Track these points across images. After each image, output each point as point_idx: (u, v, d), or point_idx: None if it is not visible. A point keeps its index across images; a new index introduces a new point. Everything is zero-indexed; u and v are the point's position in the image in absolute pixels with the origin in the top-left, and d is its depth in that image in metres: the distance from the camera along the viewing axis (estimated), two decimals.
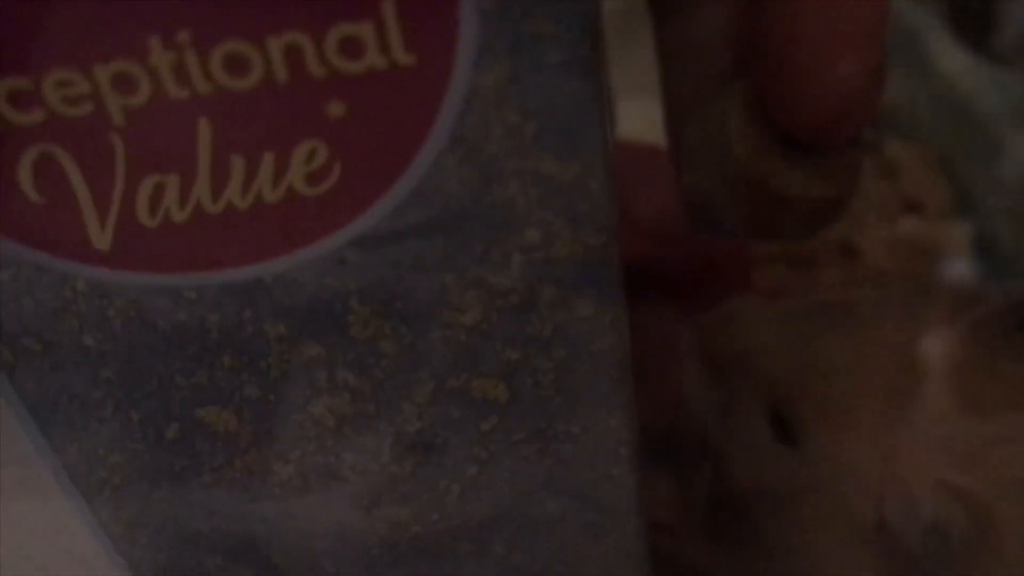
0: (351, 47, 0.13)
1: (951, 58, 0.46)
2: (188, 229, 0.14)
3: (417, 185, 0.14)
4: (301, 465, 0.17)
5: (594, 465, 0.18)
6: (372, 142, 0.13)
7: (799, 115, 0.16)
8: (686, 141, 0.20)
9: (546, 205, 0.14)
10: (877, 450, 0.21)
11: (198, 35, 0.12)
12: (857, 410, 0.21)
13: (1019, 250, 0.39)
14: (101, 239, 0.14)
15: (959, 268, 0.37)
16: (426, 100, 0.13)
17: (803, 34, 0.16)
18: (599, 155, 0.14)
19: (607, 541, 0.19)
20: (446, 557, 0.19)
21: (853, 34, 0.16)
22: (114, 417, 0.16)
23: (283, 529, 0.18)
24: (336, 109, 0.13)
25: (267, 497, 0.17)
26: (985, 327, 0.21)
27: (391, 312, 0.15)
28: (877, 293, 0.24)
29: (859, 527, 0.21)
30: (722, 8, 0.18)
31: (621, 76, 0.27)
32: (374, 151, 0.14)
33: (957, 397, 0.21)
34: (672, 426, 0.25)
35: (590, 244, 0.15)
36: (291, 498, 0.17)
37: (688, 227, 0.19)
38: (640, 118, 0.34)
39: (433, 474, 0.17)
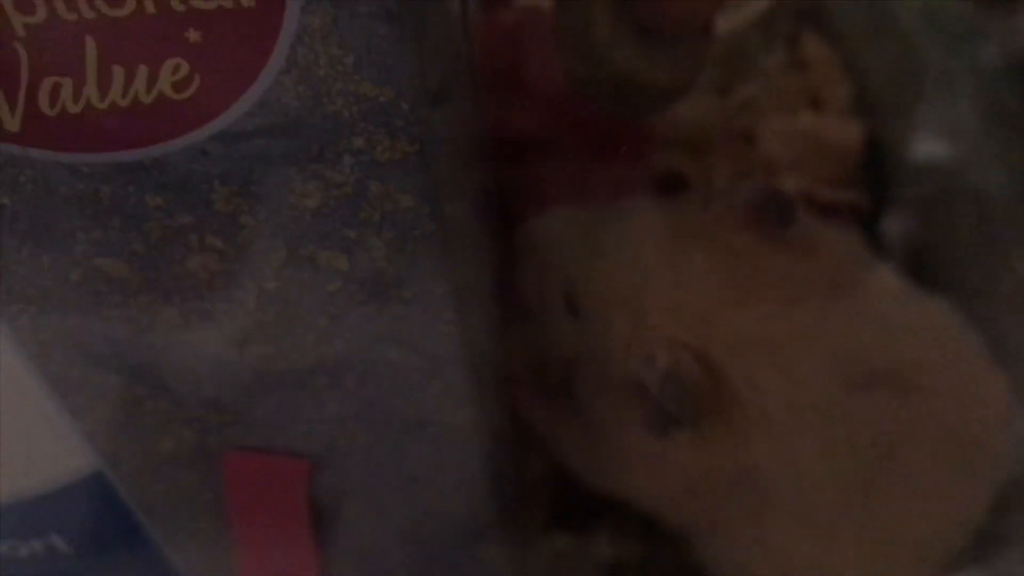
0: None
1: None
2: (81, 119, 0.18)
3: (261, 97, 0.17)
4: (182, 308, 0.21)
5: (424, 323, 0.22)
6: (224, 62, 0.17)
7: (654, 4, 0.19)
8: (559, 22, 0.23)
9: (367, 120, 0.18)
10: (629, 317, 0.25)
11: None
12: (617, 286, 0.25)
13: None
14: (11, 123, 0.18)
15: None
16: (265, 33, 0.17)
17: None
18: (410, 82, 0.17)
19: (437, 383, 0.23)
20: (306, 388, 0.23)
21: None
22: (27, 260, 0.20)
23: (171, 357, 0.22)
24: (194, 36, 0.17)
25: (155, 332, 0.21)
26: (725, 217, 0.25)
27: (247, 193, 0.19)
28: (655, 201, 0.28)
29: (622, 382, 0.25)
30: None
31: None
32: (226, 68, 0.17)
33: (695, 270, 0.25)
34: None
35: (407, 151, 0.18)
36: (175, 333, 0.21)
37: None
38: None
39: (291, 322, 0.21)
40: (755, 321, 0.25)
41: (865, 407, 0.25)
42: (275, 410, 0.24)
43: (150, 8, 0.16)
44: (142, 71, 0.17)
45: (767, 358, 0.24)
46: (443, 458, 0.25)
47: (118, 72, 0.17)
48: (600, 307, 0.26)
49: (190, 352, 0.22)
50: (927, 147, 0.42)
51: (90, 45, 0.17)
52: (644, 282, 0.25)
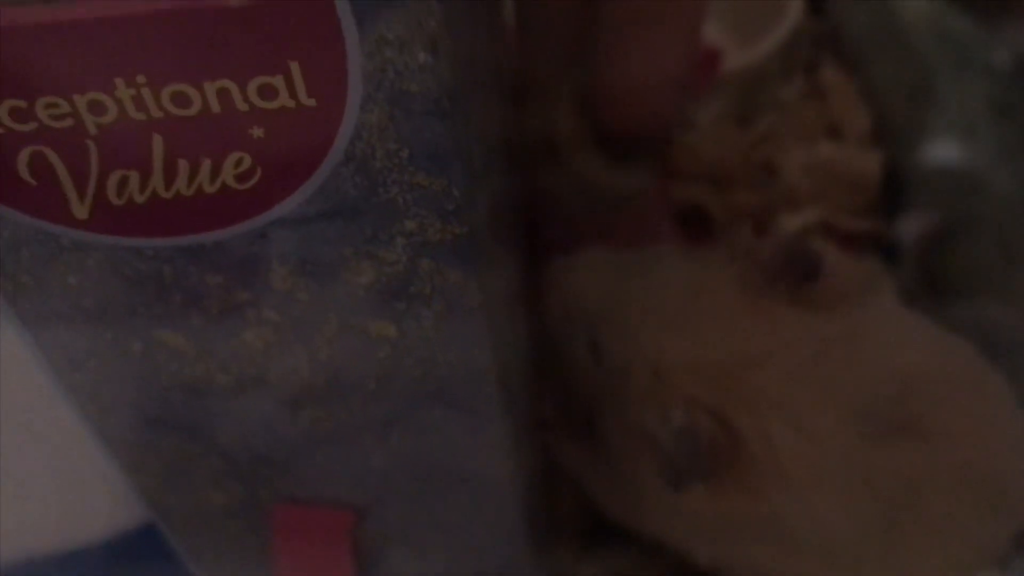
0: (267, 91, 0.17)
1: None
2: (147, 208, 0.18)
3: (320, 186, 0.18)
4: (237, 375, 0.22)
5: (468, 384, 0.23)
6: (285, 155, 0.18)
7: (617, 112, 0.20)
8: (524, 124, 0.24)
9: (420, 205, 0.19)
10: (649, 370, 0.26)
11: (152, 78, 0.17)
12: (639, 337, 0.26)
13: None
14: (80, 211, 0.18)
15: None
16: (325, 129, 0.17)
17: (627, 47, 0.20)
18: (460, 170, 0.18)
19: (480, 438, 0.24)
20: (354, 444, 0.24)
21: (668, 51, 0.20)
22: (91, 334, 0.21)
23: (225, 419, 0.23)
24: (257, 132, 0.17)
25: (211, 396, 0.22)
26: (751, 273, 0.26)
27: (304, 271, 0.20)
28: (680, 247, 0.28)
29: (639, 433, 0.26)
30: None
31: None
32: (287, 161, 0.18)
33: (717, 328, 0.26)
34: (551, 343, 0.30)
35: (457, 232, 0.19)
36: (230, 397, 0.22)
37: None
38: None
39: (341, 386, 0.22)
40: (773, 381, 0.25)
41: (885, 456, 0.26)
42: (323, 464, 0.24)
43: (215, 107, 0.17)
44: (206, 164, 0.18)
45: (783, 416, 0.25)
46: (482, 506, 0.26)
47: (183, 165, 0.18)
48: (621, 356, 0.27)
49: (243, 414, 0.23)
50: (943, 163, 0.43)
51: (157, 141, 0.17)
52: (665, 337, 0.26)
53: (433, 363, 0.22)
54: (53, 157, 0.18)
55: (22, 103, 0.17)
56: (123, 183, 0.18)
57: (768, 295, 0.26)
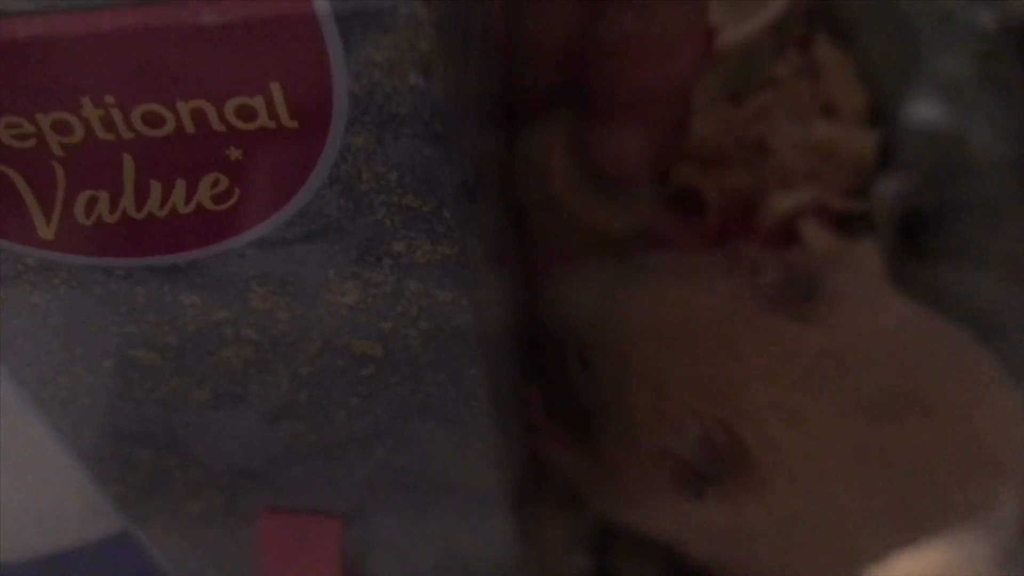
0: (246, 112, 0.16)
1: None
2: (117, 228, 0.17)
3: (302, 208, 0.17)
4: (214, 391, 0.21)
5: (456, 400, 0.22)
6: (264, 176, 0.17)
7: (614, 152, 0.19)
8: (515, 156, 0.23)
9: (409, 227, 0.18)
10: (650, 387, 0.25)
11: (121, 99, 0.15)
12: (635, 354, 0.25)
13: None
14: (47, 232, 0.17)
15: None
16: (308, 152, 0.16)
17: (623, 84, 0.19)
18: (452, 192, 0.17)
19: (469, 451, 0.23)
20: (336, 458, 0.23)
21: (665, 90, 0.19)
22: (60, 351, 0.20)
23: (202, 433, 0.22)
24: (234, 153, 0.16)
25: (186, 411, 0.21)
26: (753, 290, 0.25)
27: (285, 291, 0.19)
28: (671, 256, 0.28)
29: (648, 448, 0.25)
30: (561, 26, 0.20)
31: None
32: (266, 182, 0.17)
33: (716, 345, 0.25)
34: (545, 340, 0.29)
35: (447, 253, 0.18)
36: (207, 412, 0.21)
37: None
38: None
39: (324, 402, 0.21)
40: (775, 392, 0.25)
41: (896, 436, 0.25)
42: (304, 475, 0.24)
43: (189, 128, 0.16)
44: (180, 185, 0.17)
45: (786, 423, 0.25)
46: (471, 513, 0.26)
47: (156, 186, 0.17)
48: (613, 372, 0.26)
49: (220, 429, 0.22)
50: (927, 126, 0.41)
51: (128, 162, 0.16)
52: (663, 354, 0.25)
53: (420, 380, 0.21)
54: (16, 177, 0.16)
55: None
56: (92, 203, 0.17)
57: (766, 312, 0.25)
